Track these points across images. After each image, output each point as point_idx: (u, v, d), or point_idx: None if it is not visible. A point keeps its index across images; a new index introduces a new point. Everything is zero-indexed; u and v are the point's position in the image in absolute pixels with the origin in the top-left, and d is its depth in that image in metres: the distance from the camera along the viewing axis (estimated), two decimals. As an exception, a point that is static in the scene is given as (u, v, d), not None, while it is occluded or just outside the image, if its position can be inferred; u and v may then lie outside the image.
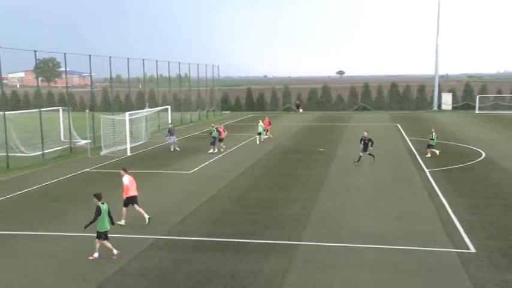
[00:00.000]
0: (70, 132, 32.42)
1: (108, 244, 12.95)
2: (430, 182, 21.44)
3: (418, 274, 11.75)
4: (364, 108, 63.97)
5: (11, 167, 25.91)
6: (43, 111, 30.77)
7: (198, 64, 55.77)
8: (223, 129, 31.65)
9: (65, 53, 31.59)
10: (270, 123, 37.34)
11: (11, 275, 11.76)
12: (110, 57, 36.12)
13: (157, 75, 46.55)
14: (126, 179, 16.13)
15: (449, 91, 66.35)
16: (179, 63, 50.96)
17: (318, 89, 67.45)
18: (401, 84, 67.55)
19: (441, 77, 79.06)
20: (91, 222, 12.89)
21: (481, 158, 27.53)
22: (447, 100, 64.23)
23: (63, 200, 19.11)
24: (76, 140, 33.49)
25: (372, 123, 48.23)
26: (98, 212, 12.82)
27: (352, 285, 11.23)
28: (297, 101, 66.08)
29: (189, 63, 53.48)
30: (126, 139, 30.98)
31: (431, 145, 28.26)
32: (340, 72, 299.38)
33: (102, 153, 30.38)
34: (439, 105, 63.75)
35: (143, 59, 42.22)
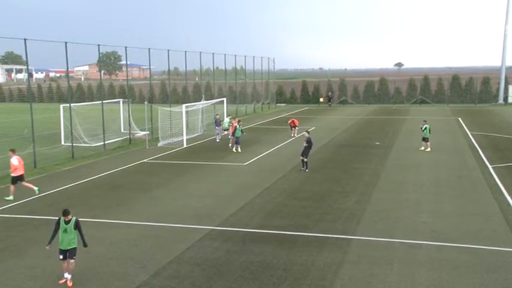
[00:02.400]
0: (129, 123, 33.52)
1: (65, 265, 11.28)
2: (494, 179, 20.46)
3: (481, 274, 11.26)
4: (423, 101, 61.96)
5: (76, 157, 27.17)
6: (105, 103, 32.00)
7: (253, 57, 56.06)
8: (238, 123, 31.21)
9: (125, 47, 32.64)
10: (295, 122, 34.63)
11: (76, 260, 12.31)
12: (168, 51, 36.93)
13: (213, 68, 47.14)
14: (15, 160, 18.06)
15: (517, 83, 62.91)
16: (235, 56, 51.39)
17: (375, 81, 65.97)
18: (464, 77, 64.74)
19: (508, 68, 74.93)
20: (83, 240, 11.33)
21: (551, 154, 25.94)
22: (514, 93, 60.95)
23: (123, 189, 19.83)
24: (135, 132, 34.58)
25: (431, 117, 46.58)
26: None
27: (408, 282, 10.93)
28: (329, 93, 64.71)
29: (245, 56, 53.84)
30: (182, 131, 31.65)
31: (425, 138, 27.53)
32: (399, 65, 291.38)
33: (159, 144, 31.22)
34: (505, 98, 60.61)
35: (200, 52, 42.89)
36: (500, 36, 63.82)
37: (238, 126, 28.49)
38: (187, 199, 18.20)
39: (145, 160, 26.38)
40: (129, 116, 33.56)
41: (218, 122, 32.92)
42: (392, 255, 12.40)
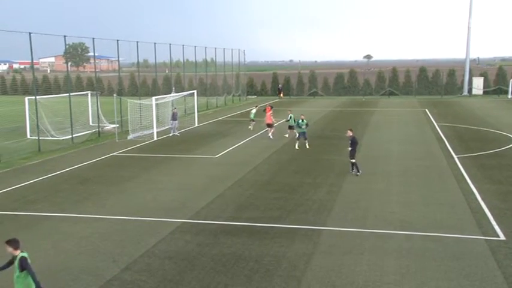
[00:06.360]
0: (98, 116, 32.92)
1: None
2: (459, 169, 21.03)
3: (446, 261, 11.59)
4: (391, 93, 63.02)
5: (42, 151, 26.55)
6: (72, 95, 31.32)
7: (224, 49, 55.77)
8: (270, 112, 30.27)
9: (93, 38, 31.99)
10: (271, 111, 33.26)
11: (44, 255, 12.10)
12: (137, 42, 36.41)
13: (183, 60, 46.74)
14: None
15: (480, 75, 64.64)
16: (205, 47, 51.03)
17: (344, 73, 66.68)
18: (430, 69, 66.13)
19: (472, 60, 76.88)
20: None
21: (513, 144, 26.83)
22: (478, 84, 62.63)
23: (92, 183, 19.51)
24: (104, 125, 34.02)
25: (399, 109, 47.48)
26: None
27: (377, 271, 11.16)
28: (279, 85, 65.29)
29: (215, 48, 53.53)
30: (152, 124, 31.30)
31: (291, 126, 29.25)
32: (368, 57, 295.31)
33: (129, 137, 30.80)
34: (470, 90, 62.23)
35: (170, 44, 42.44)
36: (464, 30, 65.41)
37: (301, 121, 26.39)
38: (158, 192, 18.05)
39: (114, 153, 25.99)
40: (97, 108, 32.96)
41: (175, 116, 32.35)
42: (362, 245, 12.62)
